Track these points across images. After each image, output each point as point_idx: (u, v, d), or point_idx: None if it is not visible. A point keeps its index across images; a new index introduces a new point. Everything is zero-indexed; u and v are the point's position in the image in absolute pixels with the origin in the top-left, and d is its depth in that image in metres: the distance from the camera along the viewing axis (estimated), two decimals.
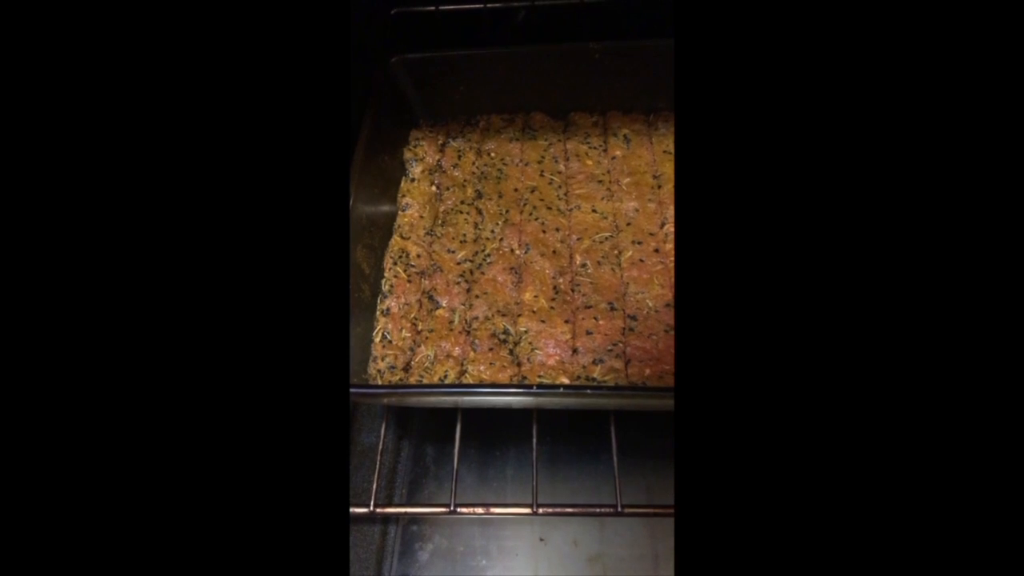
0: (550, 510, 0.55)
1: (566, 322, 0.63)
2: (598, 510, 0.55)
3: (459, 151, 0.81)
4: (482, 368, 0.60)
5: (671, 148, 0.79)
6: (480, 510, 0.56)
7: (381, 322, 0.65)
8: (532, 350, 0.61)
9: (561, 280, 0.67)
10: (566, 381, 0.58)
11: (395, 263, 0.69)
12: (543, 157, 0.79)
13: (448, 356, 0.62)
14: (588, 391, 0.55)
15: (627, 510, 0.54)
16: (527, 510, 0.54)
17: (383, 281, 0.68)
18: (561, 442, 0.69)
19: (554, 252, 0.69)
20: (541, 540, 0.65)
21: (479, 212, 0.74)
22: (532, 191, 0.76)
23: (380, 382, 0.61)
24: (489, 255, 0.70)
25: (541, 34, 0.99)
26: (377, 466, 0.58)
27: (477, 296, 0.66)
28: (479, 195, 0.76)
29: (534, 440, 0.58)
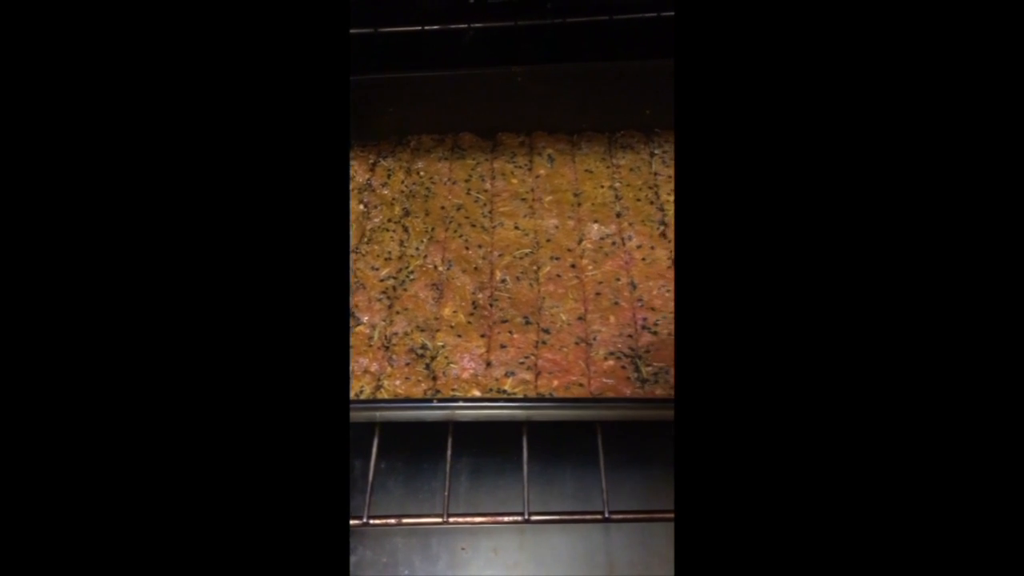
0: (461, 520, 0.56)
1: (482, 336, 0.64)
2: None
3: (389, 170, 0.82)
4: (398, 383, 0.61)
5: (592, 167, 0.81)
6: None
7: None
8: (448, 364, 0.62)
9: (481, 295, 0.68)
10: (478, 394, 0.60)
11: None
12: (471, 176, 0.81)
13: (365, 372, 0.62)
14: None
15: (534, 518, 0.55)
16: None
17: None
18: (482, 454, 0.70)
19: (475, 268, 0.71)
20: (463, 549, 0.66)
21: (405, 230, 0.75)
22: (458, 209, 0.77)
23: None
24: (412, 272, 0.71)
25: (489, 55, 1.02)
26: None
27: (398, 312, 0.67)
28: (406, 213, 0.77)
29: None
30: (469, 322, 0.66)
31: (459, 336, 0.64)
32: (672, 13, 0.94)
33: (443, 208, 0.77)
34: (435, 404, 0.58)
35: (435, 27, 0.95)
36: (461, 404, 0.58)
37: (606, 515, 0.55)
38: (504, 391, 0.60)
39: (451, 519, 0.56)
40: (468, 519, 0.58)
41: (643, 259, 0.71)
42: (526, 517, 0.55)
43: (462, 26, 0.99)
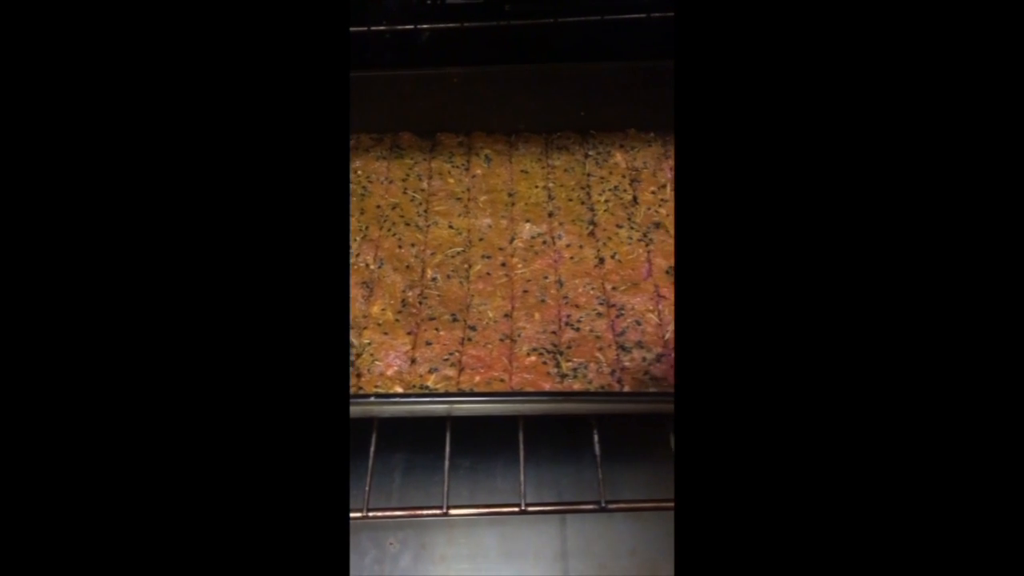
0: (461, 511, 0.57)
1: (408, 334, 0.65)
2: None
3: None
4: None
5: (528, 168, 0.82)
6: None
7: None
8: (373, 362, 0.63)
9: (410, 293, 0.69)
10: (400, 390, 0.60)
11: None
12: (408, 175, 0.81)
13: None
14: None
15: (452, 512, 0.56)
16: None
17: None
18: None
19: (407, 267, 0.71)
20: (391, 544, 0.66)
21: None
22: (393, 208, 0.77)
23: None
24: None
25: (436, 57, 1.02)
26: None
27: None
28: None
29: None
30: (397, 320, 0.66)
31: (385, 334, 0.64)
32: (617, 17, 0.97)
33: (379, 207, 0.78)
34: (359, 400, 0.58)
35: (381, 28, 0.96)
36: (385, 400, 0.59)
37: (523, 507, 0.56)
38: (427, 387, 0.61)
39: (371, 513, 0.56)
40: (390, 513, 0.58)
41: (571, 258, 0.72)
42: (444, 511, 0.56)
43: (408, 27, 0.99)
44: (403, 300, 0.68)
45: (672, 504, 0.56)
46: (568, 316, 0.66)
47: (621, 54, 0.87)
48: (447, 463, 0.58)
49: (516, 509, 0.56)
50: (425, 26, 1.01)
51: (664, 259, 0.70)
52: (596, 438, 0.60)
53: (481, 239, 0.74)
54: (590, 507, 0.57)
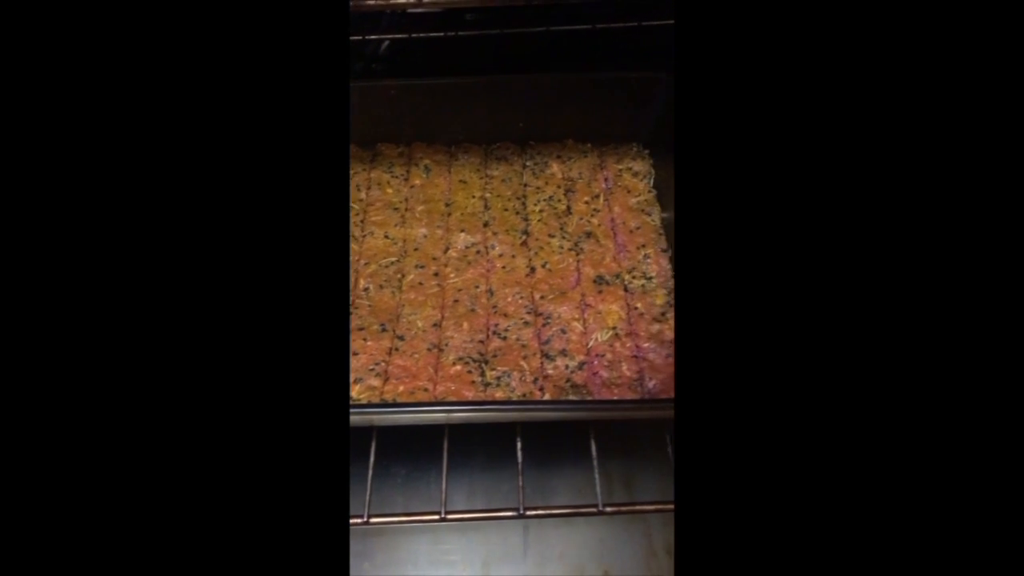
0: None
1: None
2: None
3: None
4: None
5: (466, 178, 0.83)
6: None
7: None
8: None
9: None
10: None
11: None
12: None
13: None
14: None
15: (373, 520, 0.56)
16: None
17: None
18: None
19: None
20: None
21: None
22: None
23: None
24: None
25: (390, 67, 1.03)
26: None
27: None
28: None
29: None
30: None
31: None
32: (562, 28, 0.98)
33: None
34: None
35: None
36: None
37: (442, 515, 0.57)
38: (352, 398, 0.61)
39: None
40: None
41: (503, 267, 0.72)
42: (366, 519, 0.56)
43: (357, 38, 1.00)
44: None
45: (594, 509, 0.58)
46: (496, 325, 0.67)
47: (563, 66, 0.89)
48: (371, 472, 0.59)
49: (436, 517, 0.57)
50: (372, 37, 1.01)
51: (592, 268, 0.71)
52: (519, 445, 0.61)
53: (416, 249, 0.74)
54: (510, 514, 0.58)
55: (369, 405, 0.60)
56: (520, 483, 0.58)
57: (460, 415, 0.59)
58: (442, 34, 0.96)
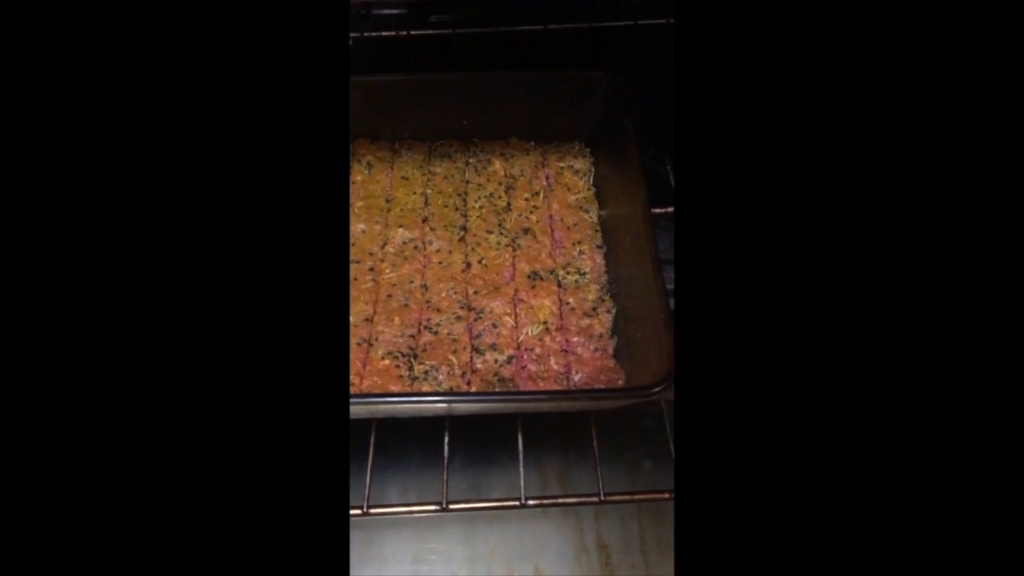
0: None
1: None
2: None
3: None
4: None
5: (409, 174, 0.82)
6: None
7: None
8: None
9: None
10: None
11: None
12: None
13: None
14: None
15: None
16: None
17: None
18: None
19: None
20: None
21: None
22: None
23: None
24: None
25: (352, 62, 1.02)
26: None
27: None
28: None
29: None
30: None
31: None
32: (512, 29, 0.97)
33: None
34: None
35: None
36: None
37: (365, 510, 0.56)
38: None
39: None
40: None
41: (439, 263, 0.71)
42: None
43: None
44: None
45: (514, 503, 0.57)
46: (428, 320, 0.66)
47: (508, 64, 0.88)
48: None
49: (359, 512, 0.56)
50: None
51: (527, 264, 0.71)
52: (447, 439, 0.60)
53: (353, 244, 0.73)
54: (433, 508, 0.57)
55: None
56: (445, 477, 0.58)
57: (385, 407, 0.58)
58: (393, 33, 0.95)
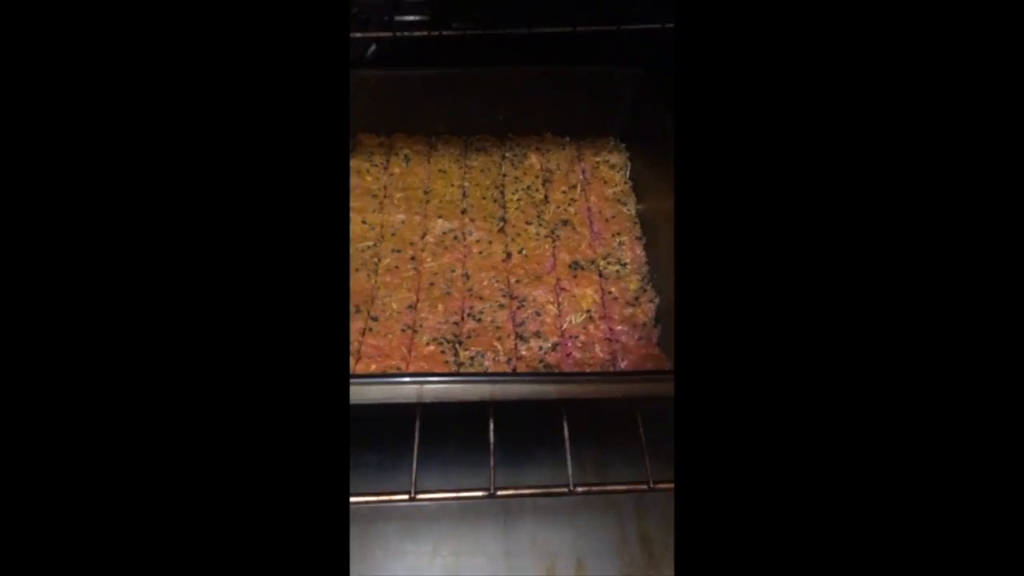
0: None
1: None
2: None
3: None
4: None
5: (446, 167, 0.81)
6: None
7: None
8: None
9: None
10: None
11: None
12: None
13: None
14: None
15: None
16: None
17: None
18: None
19: None
20: None
21: None
22: None
23: None
24: None
25: (391, 57, 1.01)
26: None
27: None
28: None
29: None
30: None
31: None
32: (544, 30, 0.97)
33: None
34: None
35: None
36: None
37: (412, 496, 0.55)
38: None
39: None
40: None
41: (480, 252, 0.71)
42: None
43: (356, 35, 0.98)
44: None
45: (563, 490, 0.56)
46: (471, 308, 0.65)
47: (542, 61, 0.88)
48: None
49: (406, 498, 0.55)
50: (358, 34, 1.00)
51: (568, 254, 0.70)
52: (492, 426, 0.59)
53: (393, 234, 0.73)
54: (481, 494, 0.56)
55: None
56: (492, 463, 0.57)
57: (433, 387, 0.57)
58: (426, 33, 0.95)
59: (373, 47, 1.02)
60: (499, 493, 0.55)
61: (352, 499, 0.55)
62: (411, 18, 1.00)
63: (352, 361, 0.60)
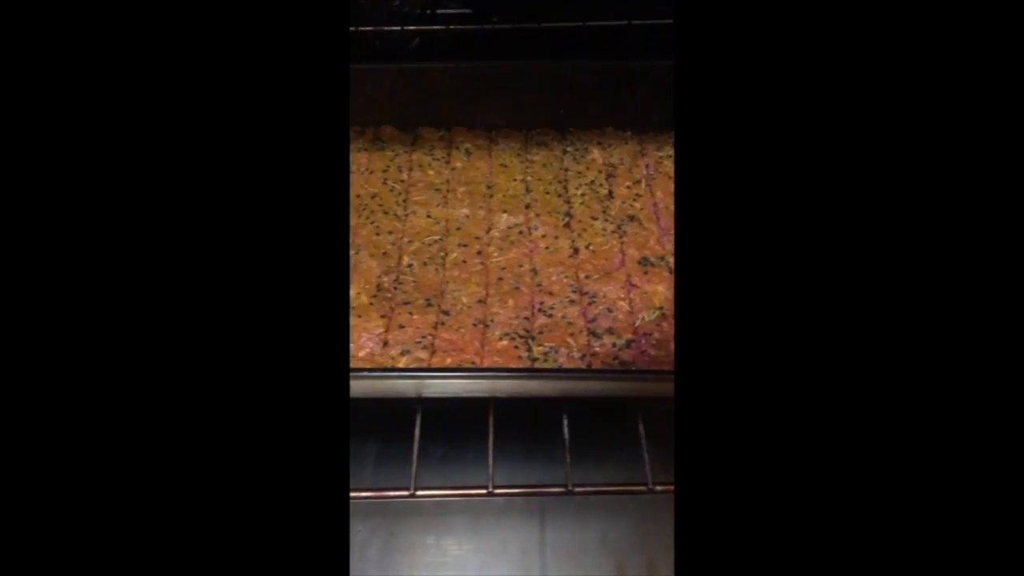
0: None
1: (382, 317, 0.62)
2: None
3: None
4: None
5: (507, 162, 0.81)
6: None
7: None
8: None
9: (386, 279, 0.66)
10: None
11: None
12: (388, 166, 0.79)
13: None
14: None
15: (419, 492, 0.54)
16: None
17: None
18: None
19: (384, 253, 0.69)
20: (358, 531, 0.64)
21: None
22: (373, 197, 0.76)
23: None
24: None
25: (430, 54, 1.01)
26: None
27: None
28: None
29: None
30: (371, 303, 0.64)
31: (359, 316, 0.62)
32: (598, 23, 0.96)
33: (358, 196, 0.76)
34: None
35: (367, 28, 0.94)
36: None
37: (490, 490, 0.54)
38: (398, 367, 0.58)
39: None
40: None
41: (547, 248, 0.70)
42: (412, 492, 0.54)
43: (395, 28, 0.98)
44: (378, 285, 0.66)
45: (641, 488, 0.55)
46: (541, 303, 0.64)
47: (600, 56, 0.86)
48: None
49: (484, 492, 0.54)
50: (411, 27, 1.00)
51: (636, 250, 0.69)
52: (566, 422, 0.58)
53: (458, 228, 0.72)
54: (558, 490, 0.55)
55: (414, 369, 0.58)
56: (567, 459, 0.56)
57: (505, 383, 0.57)
58: (476, 27, 0.94)
59: (416, 40, 1.02)
60: (576, 490, 0.54)
61: (424, 492, 0.55)
62: (452, 11, 1.00)
63: (427, 355, 0.60)
